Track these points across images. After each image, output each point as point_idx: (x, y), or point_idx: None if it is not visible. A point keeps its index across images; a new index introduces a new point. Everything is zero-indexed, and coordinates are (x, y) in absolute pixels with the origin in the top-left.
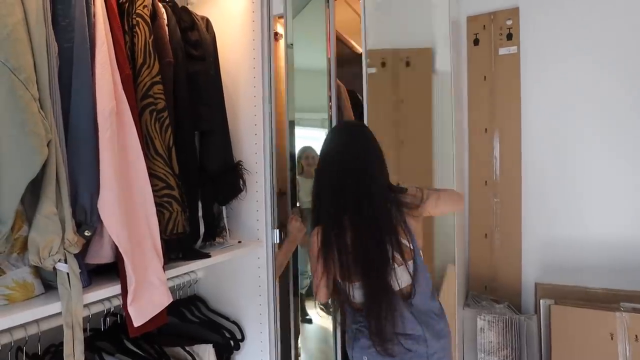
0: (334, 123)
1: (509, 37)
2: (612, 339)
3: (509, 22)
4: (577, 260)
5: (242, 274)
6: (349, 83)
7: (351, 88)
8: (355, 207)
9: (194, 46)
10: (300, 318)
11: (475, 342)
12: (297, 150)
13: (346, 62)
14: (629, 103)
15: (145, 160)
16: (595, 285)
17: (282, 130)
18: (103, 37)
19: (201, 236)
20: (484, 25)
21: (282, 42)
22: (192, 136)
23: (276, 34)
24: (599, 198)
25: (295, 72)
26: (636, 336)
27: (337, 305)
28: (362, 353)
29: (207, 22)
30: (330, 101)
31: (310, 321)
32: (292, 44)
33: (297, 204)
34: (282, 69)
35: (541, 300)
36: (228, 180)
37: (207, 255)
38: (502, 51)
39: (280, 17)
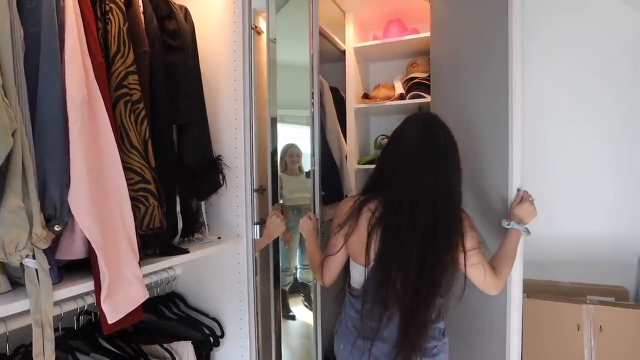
0: (316, 120)
1: None
2: (578, 329)
3: None
4: (547, 255)
5: (221, 270)
6: (331, 80)
7: (334, 85)
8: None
9: (172, 36)
10: (283, 314)
11: None
12: (281, 147)
13: (330, 58)
14: (601, 108)
15: (119, 152)
16: (564, 279)
17: (264, 126)
18: (73, 23)
19: (179, 232)
20: None
21: (264, 37)
22: (169, 129)
23: (255, 26)
24: (568, 197)
25: (278, 68)
26: (600, 327)
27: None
28: (341, 341)
29: (186, 12)
30: (313, 98)
31: (293, 317)
32: (274, 39)
33: (281, 201)
34: (264, 64)
35: None
36: (207, 175)
37: (185, 251)
38: None
39: (263, 11)
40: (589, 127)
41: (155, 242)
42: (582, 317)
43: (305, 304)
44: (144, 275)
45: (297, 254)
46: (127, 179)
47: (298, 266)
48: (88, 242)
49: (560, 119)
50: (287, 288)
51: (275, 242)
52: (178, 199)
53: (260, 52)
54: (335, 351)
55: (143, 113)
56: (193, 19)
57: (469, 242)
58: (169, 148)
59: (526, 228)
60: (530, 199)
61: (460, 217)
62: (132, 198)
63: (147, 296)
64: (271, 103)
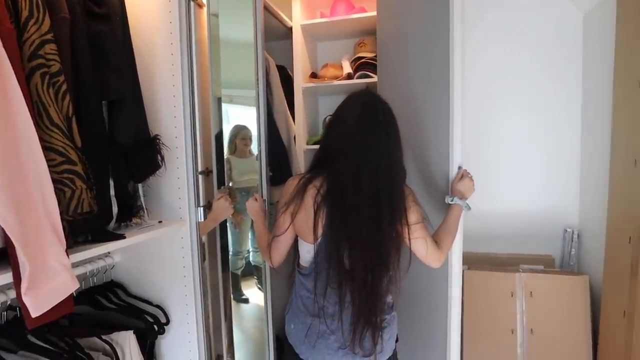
0: (262, 100)
1: None
2: (512, 296)
3: None
4: (486, 230)
5: (164, 255)
6: (278, 58)
7: (281, 64)
8: (372, 196)
9: (96, 2)
10: (235, 298)
11: None
12: (230, 128)
13: (276, 36)
14: (534, 90)
15: (37, 131)
16: (500, 251)
17: (207, 106)
18: None
19: (114, 216)
20: None
21: (205, 11)
22: (98, 106)
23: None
24: (504, 175)
25: (223, 45)
26: (531, 292)
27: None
28: (292, 321)
29: None
30: (258, 76)
31: (246, 301)
32: (216, 13)
33: (230, 184)
34: (206, 40)
35: None
36: (143, 155)
37: (121, 237)
38: None
39: None
40: (522, 108)
41: (85, 228)
42: (515, 285)
43: (259, 286)
44: (76, 265)
45: (249, 237)
46: (48, 160)
47: (250, 249)
48: (4, 230)
49: (496, 101)
50: (239, 272)
51: (222, 225)
52: (112, 182)
53: (202, 26)
54: (286, 331)
55: (64, 87)
56: None
57: (413, 216)
58: (99, 126)
59: (467, 204)
60: (469, 175)
61: (402, 192)
62: (55, 181)
63: (77, 286)
64: (214, 81)
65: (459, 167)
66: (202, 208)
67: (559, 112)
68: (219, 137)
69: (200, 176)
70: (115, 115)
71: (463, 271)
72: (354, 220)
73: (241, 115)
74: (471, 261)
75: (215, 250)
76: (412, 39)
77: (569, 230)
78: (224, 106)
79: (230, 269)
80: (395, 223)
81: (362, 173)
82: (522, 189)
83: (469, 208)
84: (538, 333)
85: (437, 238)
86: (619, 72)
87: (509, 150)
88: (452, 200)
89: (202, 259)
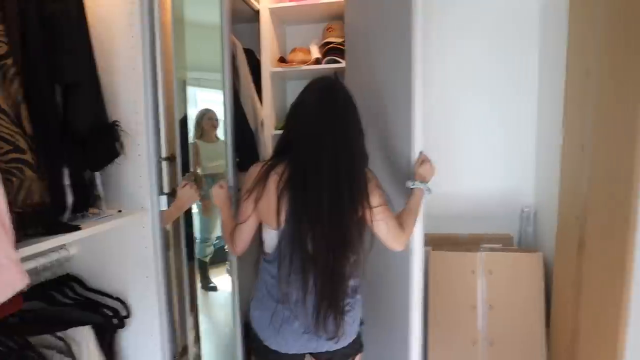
0: (227, 83)
1: None
2: (473, 274)
3: None
4: (449, 211)
5: (125, 246)
6: (246, 42)
7: (249, 47)
8: (332, 177)
9: None
10: (203, 286)
11: None
12: (196, 112)
13: (243, 18)
14: (493, 76)
15: None
16: (463, 231)
17: (170, 90)
18: None
19: (69, 207)
20: None
21: None
22: (50, 90)
23: None
24: (465, 159)
25: (188, 27)
26: (490, 270)
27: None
28: (257, 307)
29: None
30: (223, 59)
31: (214, 289)
32: None
33: (198, 170)
34: (170, 21)
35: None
36: (101, 142)
37: (76, 228)
38: None
39: None
40: (481, 94)
41: (36, 220)
42: (476, 263)
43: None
44: (26, 259)
45: (217, 223)
46: None
47: (219, 235)
48: None
49: (456, 87)
50: (207, 259)
51: (187, 212)
52: (67, 171)
53: (166, 8)
54: (251, 317)
55: (13, 70)
56: None
57: (375, 199)
58: (51, 112)
59: (428, 187)
60: (429, 160)
61: (364, 175)
62: (2, 170)
63: (27, 282)
64: (177, 64)
65: (420, 152)
66: (165, 196)
67: (516, 99)
68: (184, 121)
69: (163, 162)
70: (70, 101)
71: (427, 251)
72: (315, 204)
73: (208, 98)
74: (435, 242)
75: (180, 238)
76: (376, 25)
77: (526, 209)
78: (191, 89)
79: (198, 257)
80: (356, 204)
81: (322, 157)
82: (481, 171)
83: (430, 192)
84: (497, 308)
85: (400, 220)
86: (570, 62)
87: (469, 135)
88: (413, 185)
89: (167, 248)
